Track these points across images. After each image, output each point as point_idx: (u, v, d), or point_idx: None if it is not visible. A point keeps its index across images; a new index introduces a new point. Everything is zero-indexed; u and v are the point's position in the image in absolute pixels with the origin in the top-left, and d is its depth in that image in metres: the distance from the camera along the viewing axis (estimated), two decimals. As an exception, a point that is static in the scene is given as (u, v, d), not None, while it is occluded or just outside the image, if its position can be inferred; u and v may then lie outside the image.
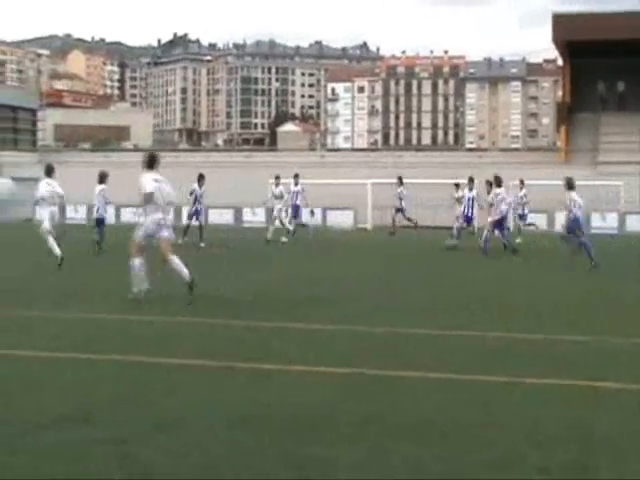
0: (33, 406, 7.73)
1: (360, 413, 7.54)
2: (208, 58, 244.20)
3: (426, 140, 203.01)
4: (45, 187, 20.61)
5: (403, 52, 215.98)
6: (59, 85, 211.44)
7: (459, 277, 20.45)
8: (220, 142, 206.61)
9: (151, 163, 15.05)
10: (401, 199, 38.70)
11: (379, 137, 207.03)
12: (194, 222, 30.34)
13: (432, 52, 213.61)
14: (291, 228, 32.79)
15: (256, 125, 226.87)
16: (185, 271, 14.66)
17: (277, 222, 32.15)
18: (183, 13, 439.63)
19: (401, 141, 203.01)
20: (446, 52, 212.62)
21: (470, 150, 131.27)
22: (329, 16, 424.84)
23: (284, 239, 31.33)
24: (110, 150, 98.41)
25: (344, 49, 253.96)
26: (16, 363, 9.81)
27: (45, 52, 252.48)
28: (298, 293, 16.85)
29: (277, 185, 32.07)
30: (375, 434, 6.91)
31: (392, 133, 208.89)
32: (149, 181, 14.83)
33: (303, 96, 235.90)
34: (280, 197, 32.00)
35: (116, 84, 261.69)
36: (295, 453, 6.39)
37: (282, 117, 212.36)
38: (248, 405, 7.81)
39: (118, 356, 10.03)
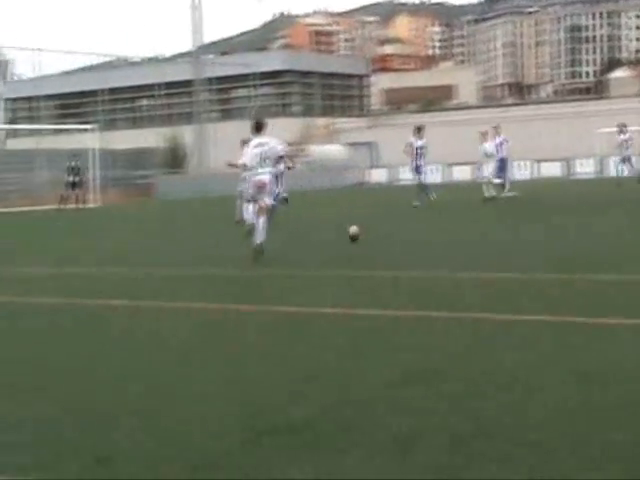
0: (388, 363, 8.06)
1: None
2: (532, 10, 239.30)
3: None
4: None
5: None
6: (386, 50, 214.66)
7: None
8: (546, 94, 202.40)
9: (258, 128, 16.51)
10: None
11: None
12: (418, 178, 30.40)
13: None
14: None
15: (583, 74, 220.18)
16: (260, 237, 16.12)
17: None
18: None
19: None
20: None
21: None
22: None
23: None
24: (437, 110, 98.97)
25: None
26: (374, 321, 10.25)
27: (371, 19, 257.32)
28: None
29: None
30: None
31: None
32: (249, 149, 16.59)
33: (638, 39, 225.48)
34: None
35: (440, 44, 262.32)
36: None
37: (612, 63, 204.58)
38: (593, 360, 7.74)
39: (457, 313, 10.23)
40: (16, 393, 7.68)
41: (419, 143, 30.62)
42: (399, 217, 27.31)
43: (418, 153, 30.45)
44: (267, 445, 5.88)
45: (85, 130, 49.37)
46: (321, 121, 77.41)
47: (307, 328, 10.14)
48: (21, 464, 5.68)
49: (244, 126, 62.28)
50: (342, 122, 76.77)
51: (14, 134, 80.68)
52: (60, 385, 7.91)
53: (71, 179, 40.82)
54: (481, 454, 5.50)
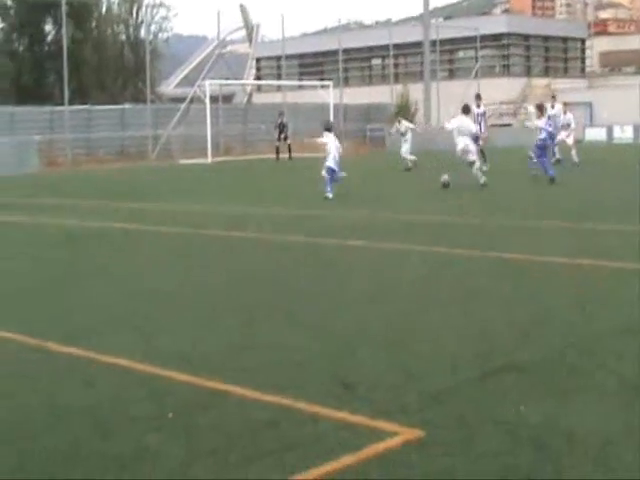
0: (611, 313, 7.79)
1: None
2: None
3: None
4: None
5: None
6: (604, 15, 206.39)
7: None
8: None
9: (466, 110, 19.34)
10: None
11: None
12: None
13: None
14: None
15: None
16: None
17: None
18: None
19: None
20: None
21: None
22: None
23: None
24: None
25: None
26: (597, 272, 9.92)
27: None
28: None
29: None
30: None
31: None
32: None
33: None
34: None
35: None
36: None
37: None
38: None
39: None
40: (273, 319, 7.88)
41: (479, 111, 28.73)
42: (615, 174, 26.21)
43: (478, 120, 28.19)
44: (496, 383, 5.78)
45: (323, 86, 49.94)
46: (541, 81, 75.38)
47: (532, 275, 9.91)
48: (277, 384, 5.81)
49: (468, 85, 61.44)
50: (560, 83, 74.55)
51: (261, 90, 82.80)
52: (307, 310, 8.06)
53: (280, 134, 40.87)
54: None
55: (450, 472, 4.36)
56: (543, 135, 22.23)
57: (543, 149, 22.29)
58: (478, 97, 30.29)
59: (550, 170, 21.79)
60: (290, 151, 40.32)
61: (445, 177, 20.98)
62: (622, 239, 12.41)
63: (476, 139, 27.42)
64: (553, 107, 29.97)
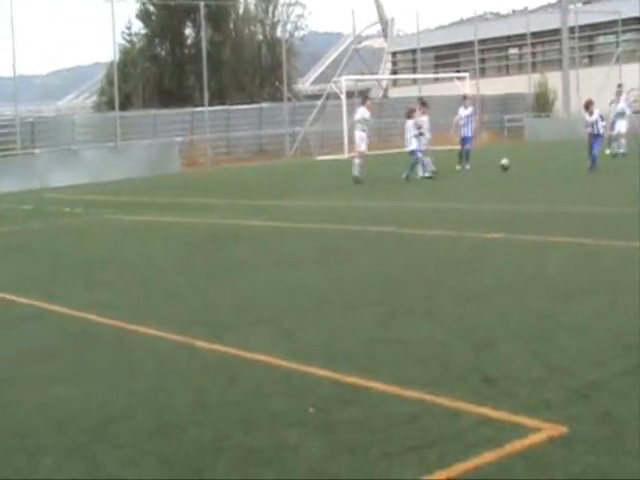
0: None
1: None
2: None
3: None
4: None
5: None
6: None
7: None
8: None
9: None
10: None
11: None
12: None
13: None
14: None
15: None
16: None
17: None
18: None
19: None
20: None
21: None
22: None
23: None
24: None
25: None
26: None
27: None
28: None
29: None
30: None
31: None
32: None
33: None
34: None
35: None
36: None
37: None
38: None
39: None
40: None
41: (466, 112, 27.65)
42: None
43: (463, 123, 27.50)
44: (643, 377, 5.59)
45: (459, 78, 49.47)
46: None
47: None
48: (417, 379, 5.78)
49: (609, 71, 59.77)
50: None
51: (397, 83, 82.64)
52: (446, 304, 7.99)
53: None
54: None
55: (596, 470, 4.23)
56: None
57: None
58: (464, 98, 29.30)
59: None
60: None
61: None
62: None
63: (466, 140, 26.82)
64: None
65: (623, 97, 30.03)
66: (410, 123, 23.73)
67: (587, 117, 23.73)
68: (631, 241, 11.10)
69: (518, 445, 4.53)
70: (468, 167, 26.72)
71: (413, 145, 23.55)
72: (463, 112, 27.71)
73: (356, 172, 23.24)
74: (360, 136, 23.64)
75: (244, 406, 5.53)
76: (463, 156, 27.10)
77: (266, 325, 7.77)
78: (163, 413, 5.52)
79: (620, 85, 31.94)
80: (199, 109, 45.17)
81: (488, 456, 4.40)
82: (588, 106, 23.89)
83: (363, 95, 24.54)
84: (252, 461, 4.62)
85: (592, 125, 23.31)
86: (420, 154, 23.29)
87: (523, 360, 6.11)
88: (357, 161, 23.53)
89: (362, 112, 24.02)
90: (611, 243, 11.18)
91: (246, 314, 8.32)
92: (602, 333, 6.70)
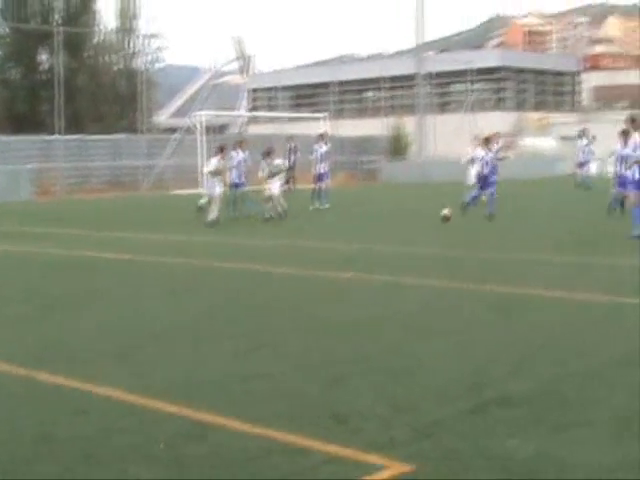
0: (604, 344, 7.78)
1: None
2: None
3: None
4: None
5: None
6: (597, 49, 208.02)
7: None
8: None
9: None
10: None
11: None
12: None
13: None
14: None
15: None
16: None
17: None
18: None
19: None
20: None
21: None
22: None
23: None
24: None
25: None
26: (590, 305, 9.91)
27: (583, 20, 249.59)
28: None
29: None
30: None
31: None
32: None
33: None
34: None
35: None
36: None
37: None
38: None
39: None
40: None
41: (323, 149, 27.58)
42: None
43: (319, 160, 27.41)
44: (486, 416, 5.76)
45: (317, 118, 50.11)
46: (534, 115, 75.87)
47: (523, 307, 9.90)
48: (268, 416, 5.79)
49: (461, 118, 61.56)
50: (554, 117, 75.05)
51: (255, 120, 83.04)
52: (297, 340, 8.04)
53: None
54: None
55: (440, 506, 4.34)
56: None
57: None
58: (321, 137, 28.80)
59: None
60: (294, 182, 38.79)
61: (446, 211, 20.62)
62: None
63: (321, 177, 26.72)
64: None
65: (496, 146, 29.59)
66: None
67: (481, 152, 22.62)
68: (483, 284, 11.46)
69: (365, 483, 4.61)
70: (327, 206, 26.38)
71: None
72: (319, 149, 27.68)
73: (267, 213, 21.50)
74: (274, 182, 21.74)
75: (91, 441, 5.42)
76: (318, 194, 26.83)
77: (116, 358, 7.64)
78: (7, 446, 5.35)
79: (496, 134, 31.55)
80: (52, 137, 44.22)
81: (336, 493, 4.46)
82: (488, 141, 22.95)
83: (267, 149, 22.10)
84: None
85: (483, 164, 22.19)
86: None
87: (372, 397, 6.20)
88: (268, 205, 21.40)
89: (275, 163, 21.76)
90: (462, 286, 11.49)
91: (96, 346, 8.16)
92: (450, 372, 6.88)
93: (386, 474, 4.74)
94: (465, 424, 5.59)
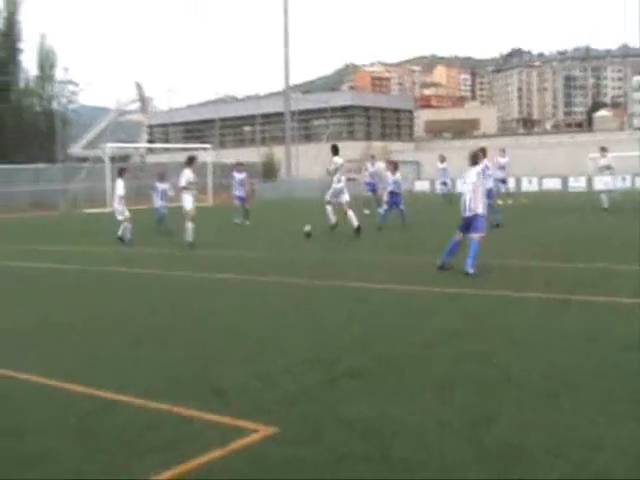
0: (427, 326, 7.93)
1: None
2: (537, 64, 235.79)
3: None
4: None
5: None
6: (427, 92, 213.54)
7: None
8: (548, 127, 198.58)
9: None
10: None
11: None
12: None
13: None
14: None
15: (576, 112, 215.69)
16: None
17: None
18: (518, 31, 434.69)
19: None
20: None
21: None
22: (634, 23, 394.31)
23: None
24: (465, 138, 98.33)
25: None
26: (421, 295, 10.08)
27: (417, 68, 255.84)
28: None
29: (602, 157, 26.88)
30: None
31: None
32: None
33: (613, 88, 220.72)
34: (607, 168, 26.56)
35: (468, 88, 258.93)
36: None
37: (597, 105, 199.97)
38: None
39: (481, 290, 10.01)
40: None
41: (239, 177, 26.71)
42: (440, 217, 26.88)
43: (238, 185, 26.72)
44: (339, 386, 5.84)
45: (204, 149, 49.71)
46: (378, 144, 77.34)
47: (367, 298, 10.04)
48: (159, 392, 5.73)
49: (320, 147, 62.06)
50: (394, 145, 76.71)
51: (153, 151, 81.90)
52: (182, 332, 7.95)
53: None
54: (507, 398, 5.41)
55: (301, 461, 4.40)
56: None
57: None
58: (239, 164, 27.66)
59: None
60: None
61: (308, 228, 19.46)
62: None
63: (242, 199, 26.41)
64: (373, 165, 30.15)
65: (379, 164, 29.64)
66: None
67: (389, 175, 21.95)
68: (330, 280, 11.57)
69: (240, 444, 4.64)
70: (248, 223, 25.33)
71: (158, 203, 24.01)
72: (238, 176, 26.87)
73: (189, 237, 18.36)
74: (187, 198, 18.87)
75: (15, 418, 5.29)
76: (243, 213, 26.06)
77: (32, 349, 7.44)
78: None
79: (373, 156, 31.65)
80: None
81: (217, 453, 4.48)
82: (396, 166, 22.30)
83: (188, 157, 20.10)
84: (21, 464, 4.44)
85: (394, 183, 21.60)
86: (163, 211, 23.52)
87: (245, 374, 6.21)
88: (189, 225, 18.39)
89: (187, 175, 19.62)
90: (322, 283, 11.58)
91: (13, 340, 7.91)
92: (307, 352, 6.94)
93: (257, 436, 4.77)
94: (322, 393, 5.66)
